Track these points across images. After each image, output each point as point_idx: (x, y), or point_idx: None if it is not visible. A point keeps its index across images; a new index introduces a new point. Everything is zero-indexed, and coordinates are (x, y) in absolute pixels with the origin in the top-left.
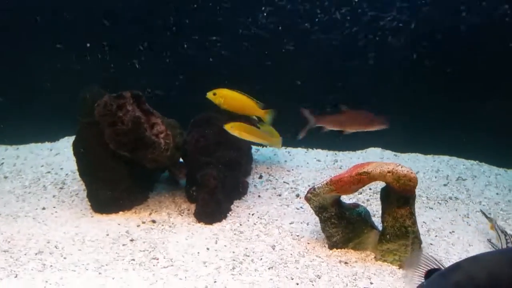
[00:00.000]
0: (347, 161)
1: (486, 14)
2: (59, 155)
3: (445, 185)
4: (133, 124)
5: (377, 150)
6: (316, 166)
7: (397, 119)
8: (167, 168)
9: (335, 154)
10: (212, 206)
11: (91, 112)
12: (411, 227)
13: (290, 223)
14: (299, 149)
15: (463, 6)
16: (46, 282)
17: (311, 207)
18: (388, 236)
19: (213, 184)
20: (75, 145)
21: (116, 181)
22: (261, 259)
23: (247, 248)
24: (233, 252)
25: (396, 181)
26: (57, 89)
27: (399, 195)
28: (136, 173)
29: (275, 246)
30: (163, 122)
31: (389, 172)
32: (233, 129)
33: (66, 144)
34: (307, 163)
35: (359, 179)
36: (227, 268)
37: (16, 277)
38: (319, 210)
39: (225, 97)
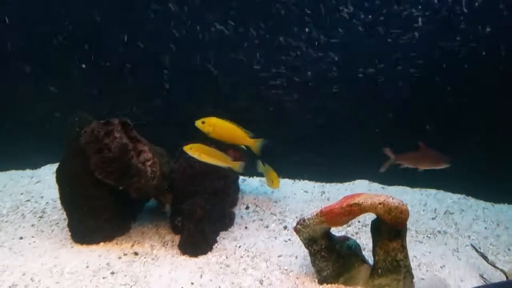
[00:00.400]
0: (334, 192)
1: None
2: (40, 182)
3: (433, 218)
4: (120, 152)
5: (365, 182)
6: (304, 197)
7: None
8: (152, 197)
9: (323, 185)
10: (197, 238)
11: (78, 138)
12: (403, 260)
13: (279, 256)
14: (286, 179)
15: None
16: None
17: (300, 239)
18: (379, 270)
19: (200, 215)
20: (59, 172)
21: (99, 211)
22: None
23: (233, 283)
24: (219, 287)
25: (388, 213)
26: (39, 114)
27: (391, 228)
28: (119, 202)
29: (263, 280)
30: (150, 150)
31: (380, 203)
32: (192, 150)
33: (48, 171)
34: (294, 194)
35: (350, 211)
36: None
37: None
38: (309, 243)
39: (214, 125)
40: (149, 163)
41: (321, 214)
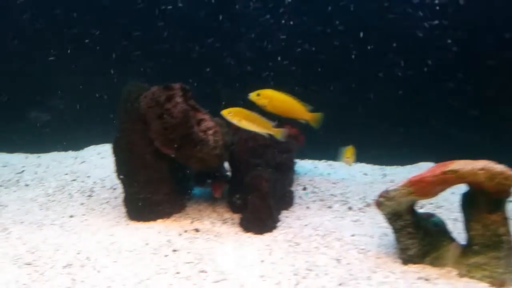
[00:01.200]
0: (397, 175)
1: None
2: (85, 163)
3: None
4: (182, 118)
5: (429, 165)
6: (364, 179)
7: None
8: (213, 169)
9: (382, 168)
10: (263, 213)
11: (136, 106)
12: (505, 235)
13: (352, 236)
14: (341, 163)
15: None
16: None
17: (382, 213)
18: (476, 247)
19: (266, 188)
20: (115, 143)
21: (157, 185)
22: (326, 273)
23: (307, 262)
24: (293, 266)
25: (490, 180)
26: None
27: (490, 198)
28: (176, 177)
29: (340, 259)
30: (211, 118)
31: (481, 169)
32: (232, 115)
33: (92, 152)
34: (353, 176)
35: (444, 179)
36: (290, 284)
37: None
38: (393, 218)
39: (270, 98)
40: (210, 132)
41: (409, 184)
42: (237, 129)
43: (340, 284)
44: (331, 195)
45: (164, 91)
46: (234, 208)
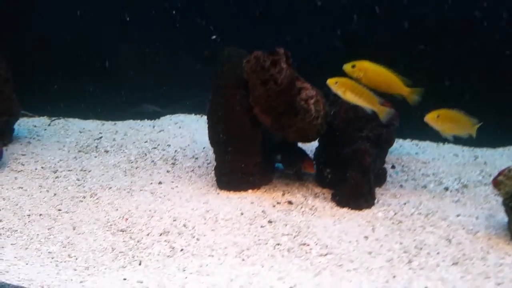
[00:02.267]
0: (489, 157)
1: None
2: (163, 132)
3: None
4: (288, 84)
5: None
6: (455, 160)
7: None
8: (311, 140)
9: (473, 150)
10: (364, 188)
11: (235, 70)
12: None
13: (457, 216)
14: (428, 142)
15: None
16: (184, 271)
17: (500, 193)
18: None
19: (368, 162)
20: (211, 109)
21: (251, 154)
22: (438, 253)
23: (415, 240)
24: (401, 243)
25: None
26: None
27: None
28: (267, 147)
29: (450, 239)
30: (312, 87)
31: None
32: (338, 85)
33: (169, 121)
34: (443, 157)
35: None
36: (402, 261)
37: (140, 264)
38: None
39: (366, 70)
40: (312, 101)
41: None
42: (335, 99)
43: (454, 264)
44: (423, 174)
45: (269, 56)
46: (323, 183)
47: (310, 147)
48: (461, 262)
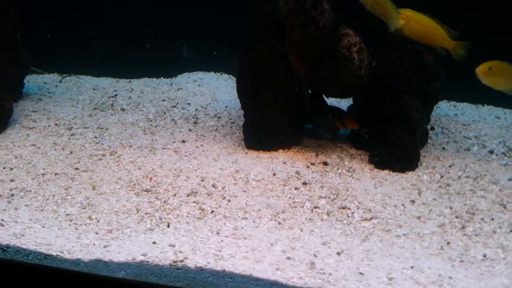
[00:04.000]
0: None
1: None
2: (182, 90)
3: None
4: (331, 28)
5: None
6: (497, 123)
7: None
8: (351, 94)
9: None
10: (411, 149)
11: (269, 13)
12: None
13: (509, 180)
14: (466, 103)
15: None
16: (218, 234)
17: None
18: None
19: (416, 119)
20: (241, 58)
21: (283, 109)
22: (492, 218)
23: (465, 204)
24: (451, 208)
25: None
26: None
27: None
28: (299, 105)
29: (505, 204)
30: (355, 33)
31: None
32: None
33: (187, 79)
34: (484, 119)
35: None
36: (454, 227)
37: (168, 226)
38: None
39: (408, 19)
40: (355, 48)
41: None
42: (378, 49)
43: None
44: (464, 137)
45: None
46: (358, 144)
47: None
48: None
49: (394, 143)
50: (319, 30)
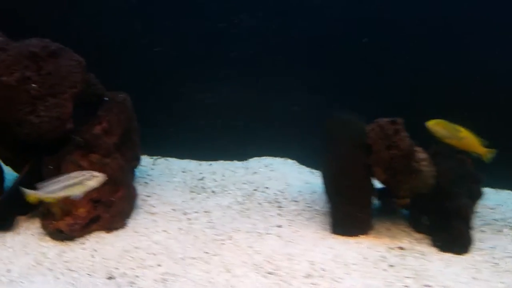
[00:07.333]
0: None
1: None
2: (257, 174)
3: None
4: (409, 151)
5: None
6: None
7: None
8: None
9: None
10: (466, 238)
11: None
12: None
13: None
14: (487, 188)
15: None
16: None
17: None
18: None
19: (470, 215)
20: (329, 168)
21: (364, 204)
22: None
23: None
24: (503, 283)
25: None
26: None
27: None
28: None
29: None
30: (423, 150)
31: None
32: (433, 125)
33: (258, 164)
34: (505, 202)
35: None
36: None
37: None
38: None
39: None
40: (424, 163)
41: None
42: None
43: None
44: (493, 219)
45: (391, 125)
46: (418, 229)
47: None
48: None
49: (454, 233)
50: (400, 151)
